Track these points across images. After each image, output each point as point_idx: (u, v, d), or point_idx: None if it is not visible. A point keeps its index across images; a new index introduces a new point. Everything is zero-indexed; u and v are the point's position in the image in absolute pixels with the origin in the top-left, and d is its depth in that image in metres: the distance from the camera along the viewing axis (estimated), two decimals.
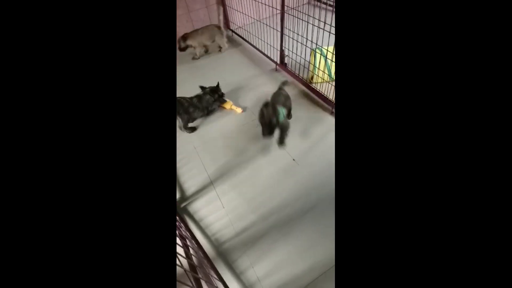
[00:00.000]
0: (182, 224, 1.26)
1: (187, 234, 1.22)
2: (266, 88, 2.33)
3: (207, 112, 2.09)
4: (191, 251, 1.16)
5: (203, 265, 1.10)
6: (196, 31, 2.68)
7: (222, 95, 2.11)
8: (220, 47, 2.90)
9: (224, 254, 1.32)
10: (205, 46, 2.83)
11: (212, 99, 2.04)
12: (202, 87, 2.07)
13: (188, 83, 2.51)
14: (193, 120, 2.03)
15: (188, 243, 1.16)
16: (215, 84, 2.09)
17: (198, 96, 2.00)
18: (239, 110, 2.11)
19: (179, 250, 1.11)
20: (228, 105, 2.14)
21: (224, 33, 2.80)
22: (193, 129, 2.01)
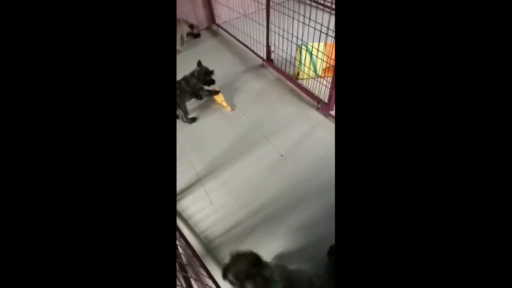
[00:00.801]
0: None
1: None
2: (253, 84, 2.32)
3: (195, 96, 2.06)
4: (180, 249, 1.15)
5: (192, 264, 1.10)
6: None
7: (211, 80, 2.04)
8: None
9: (214, 251, 1.32)
10: None
11: (200, 85, 1.99)
12: (199, 63, 2.02)
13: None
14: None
15: (177, 242, 1.15)
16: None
17: (185, 79, 1.96)
18: (228, 108, 2.08)
19: None
20: (220, 98, 2.09)
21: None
22: (193, 119, 1.99)
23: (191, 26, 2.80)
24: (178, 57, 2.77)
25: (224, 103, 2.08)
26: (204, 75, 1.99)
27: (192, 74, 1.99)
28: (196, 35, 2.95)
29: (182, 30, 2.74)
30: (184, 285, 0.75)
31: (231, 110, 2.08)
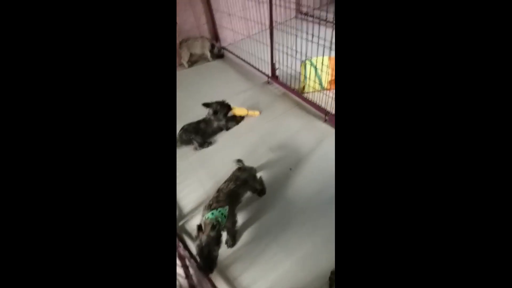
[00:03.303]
0: (180, 244, 1.22)
1: (185, 253, 1.17)
2: (259, 100, 2.35)
3: (224, 129, 2.08)
4: (191, 270, 1.11)
5: (203, 284, 1.06)
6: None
7: (226, 113, 2.04)
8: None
9: (225, 271, 1.27)
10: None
11: (223, 123, 2.01)
12: (206, 104, 1.98)
13: (181, 100, 2.53)
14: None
15: (187, 262, 1.11)
16: (215, 99, 2.02)
17: (204, 121, 1.97)
18: (256, 113, 2.16)
19: (178, 270, 1.06)
20: (244, 112, 2.13)
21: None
22: (209, 144, 1.98)
23: (213, 45, 2.96)
24: (184, 73, 2.87)
25: (251, 112, 2.15)
26: (216, 115, 1.99)
27: (211, 117, 1.97)
28: (219, 56, 3.06)
29: (204, 47, 2.94)
30: None
31: (260, 113, 2.18)
